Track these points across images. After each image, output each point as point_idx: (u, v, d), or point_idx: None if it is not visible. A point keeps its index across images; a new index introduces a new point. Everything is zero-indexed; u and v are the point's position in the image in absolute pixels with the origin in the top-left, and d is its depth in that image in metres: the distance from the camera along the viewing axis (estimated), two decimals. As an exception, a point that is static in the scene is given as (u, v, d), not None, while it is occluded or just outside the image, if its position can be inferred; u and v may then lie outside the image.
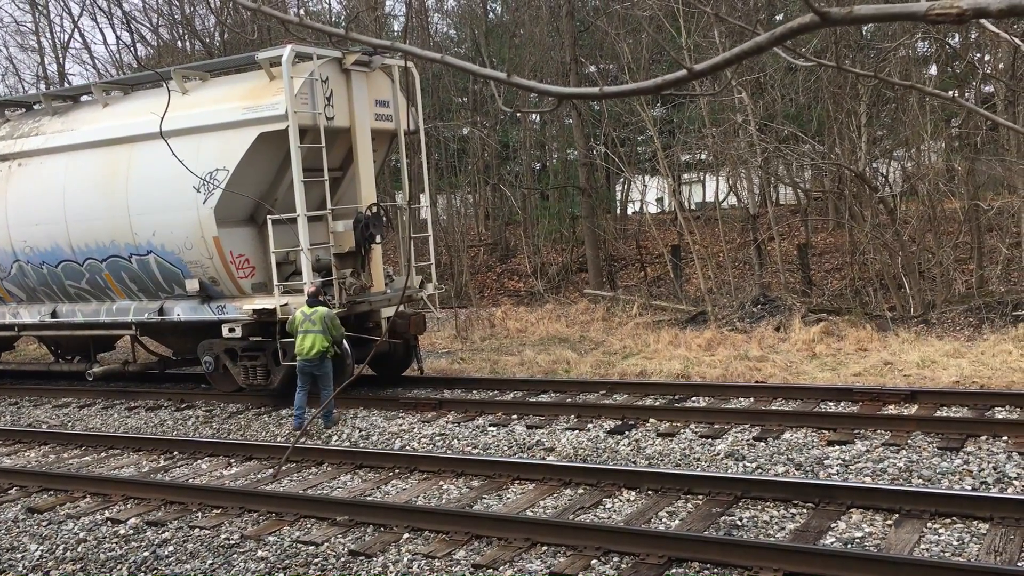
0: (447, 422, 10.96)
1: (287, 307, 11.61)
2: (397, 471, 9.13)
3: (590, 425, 10.26)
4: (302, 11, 29.98)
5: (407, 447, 10.25)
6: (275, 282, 11.92)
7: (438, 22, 31.22)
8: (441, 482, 8.67)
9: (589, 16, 24.91)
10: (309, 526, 7.71)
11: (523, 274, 24.31)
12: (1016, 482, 7.45)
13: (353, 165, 12.77)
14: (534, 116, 26.34)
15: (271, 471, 9.52)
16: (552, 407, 11.17)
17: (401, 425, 11.02)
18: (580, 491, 8.07)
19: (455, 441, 10.22)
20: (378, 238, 12.54)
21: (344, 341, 11.64)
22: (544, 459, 9.21)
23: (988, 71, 18.99)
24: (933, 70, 21.56)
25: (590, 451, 9.39)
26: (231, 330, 12.11)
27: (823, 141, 18.95)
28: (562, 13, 22.41)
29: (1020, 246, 16.89)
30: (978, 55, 20.42)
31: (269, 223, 11.83)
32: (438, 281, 14.34)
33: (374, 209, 12.47)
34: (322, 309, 10.94)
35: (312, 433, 11.02)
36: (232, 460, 10.18)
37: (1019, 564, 5.87)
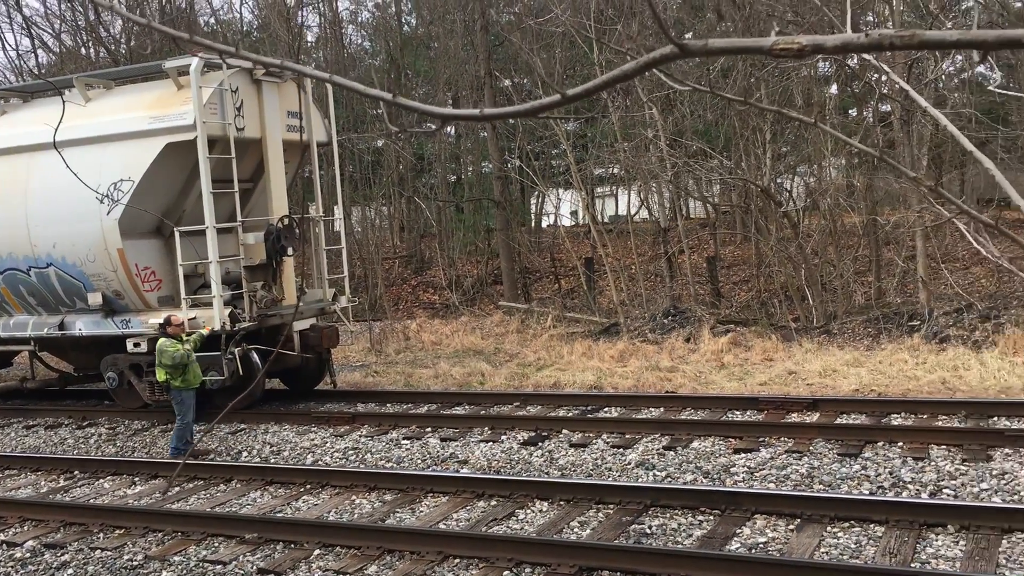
0: (360, 436, 10.86)
1: (195, 320, 11.35)
2: (309, 486, 9.01)
3: (504, 437, 10.31)
4: (212, 19, 29.46)
5: (319, 462, 10.12)
6: (183, 295, 11.65)
7: (352, 33, 31.05)
8: (354, 497, 8.60)
9: (503, 31, 25.11)
10: (217, 545, 7.54)
11: (438, 286, 24.29)
12: (910, 486, 7.77)
13: (264, 176, 12.58)
14: (449, 129, 26.39)
15: (175, 489, 9.28)
16: (466, 419, 11.18)
17: (313, 440, 10.88)
18: (493, 503, 8.10)
19: (368, 455, 10.14)
20: (290, 250, 12.37)
21: (254, 355, 11.45)
22: (458, 472, 9.21)
23: (885, 91, 19.84)
24: (834, 89, 22.41)
25: (504, 463, 9.44)
26: (136, 345, 11.77)
27: (730, 157, 19.48)
28: (476, 27, 22.55)
29: (915, 259, 17.64)
30: (875, 76, 21.31)
31: (177, 235, 11.56)
32: (352, 294, 14.22)
33: (286, 221, 12.31)
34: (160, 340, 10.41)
35: (215, 450, 10.78)
36: (136, 479, 9.89)
37: (912, 565, 6.13)
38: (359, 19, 31.39)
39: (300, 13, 26.71)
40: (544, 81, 20.52)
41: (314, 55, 28.47)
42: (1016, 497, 7.28)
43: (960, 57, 23.38)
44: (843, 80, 21.18)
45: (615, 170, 24.84)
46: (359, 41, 31.42)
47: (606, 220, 27.10)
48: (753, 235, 19.38)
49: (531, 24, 22.03)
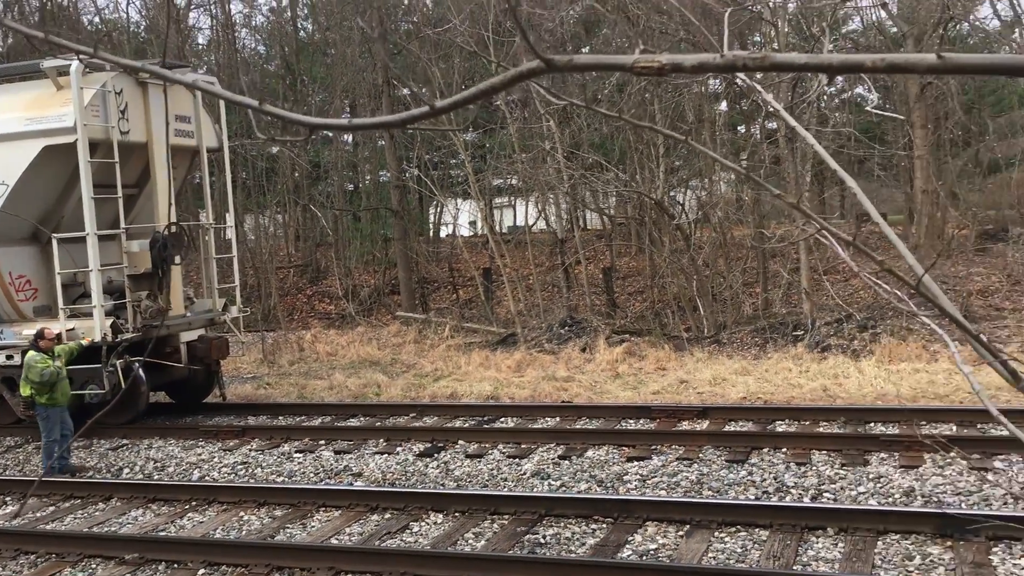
0: (250, 450, 10.57)
1: (74, 332, 10.86)
2: (194, 503, 8.70)
3: (399, 448, 10.20)
4: (96, 18, 28.40)
5: (206, 477, 9.80)
6: (60, 305, 11.12)
7: (246, 37, 30.39)
8: (242, 513, 8.35)
9: (402, 39, 25.00)
10: (94, 567, 7.20)
11: (334, 296, 23.92)
12: (794, 490, 8.02)
13: (151, 182, 12.15)
14: (347, 137, 26.07)
15: (51, 509, 8.83)
16: (361, 431, 11.02)
17: (200, 455, 10.53)
18: (387, 516, 7.99)
19: (259, 469, 9.87)
20: (177, 259, 11.97)
21: (138, 367, 11.03)
22: (351, 485, 9.06)
23: (771, 109, 20.58)
24: (724, 106, 23.09)
25: (399, 475, 9.33)
26: (8, 357, 11.18)
27: (626, 169, 19.84)
28: (374, 35, 22.36)
29: (799, 272, 18.31)
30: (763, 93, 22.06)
31: (55, 242, 11.04)
32: (244, 304, 13.85)
33: (173, 228, 11.91)
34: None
35: (94, 467, 10.32)
36: (8, 499, 9.37)
37: (794, 568, 6.32)
38: (252, 23, 30.76)
39: (190, 15, 25.99)
40: (442, 92, 20.50)
41: (205, 58, 27.74)
42: (890, 499, 7.60)
43: (840, 78, 24.45)
44: (732, 98, 21.85)
45: (513, 181, 25.00)
46: (252, 45, 30.77)
47: (504, 231, 27.22)
48: (647, 247, 19.77)
49: (430, 34, 21.99)
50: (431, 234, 27.57)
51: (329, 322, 22.13)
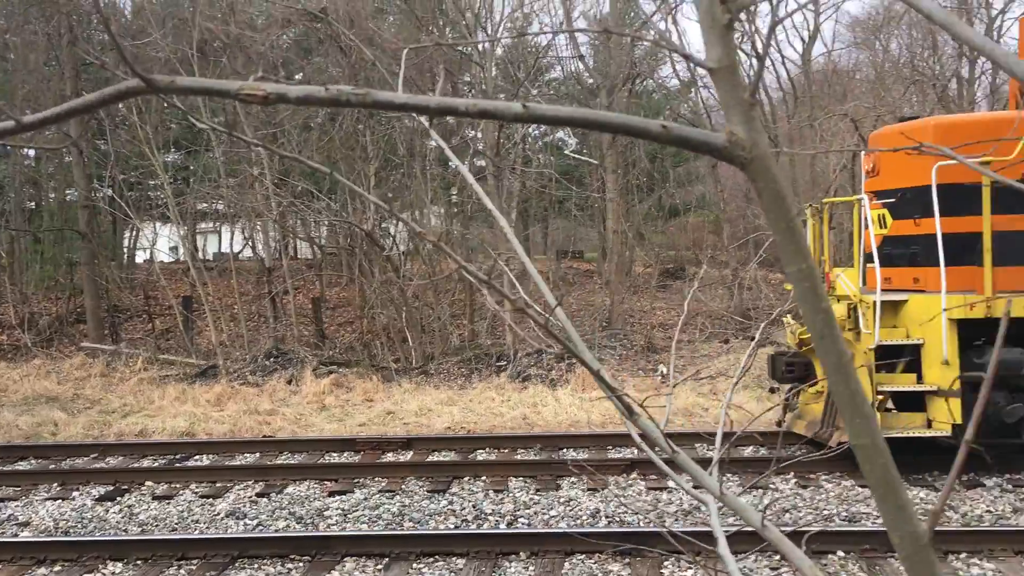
0: None
1: None
2: None
3: (76, 493, 9.28)
4: None
5: None
6: None
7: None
8: None
9: (95, 49, 23.18)
10: None
11: (7, 325, 21.47)
12: (491, 517, 8.25)
13: None
14: (29, 151, 23.64)
15: None
16: (31, 475, 9.91)
17: None
18: (57, 568, 7.21)
19: (-102, 525, 8.54)
20: None
21: None
22: (16, 536, 8.09)
23: (480, 147, 21.38)
24: (434, 142, 23.64)
25: (75, 522, 8.47)
26: None
27: (337, 199, 19.68)
28: (63, 42, 20.57)
29: (503, 304, 19.09)
30: (471, 132, 22.89)
31: None
32: None
33: None
34: None
35: None
36: None
37: (489, 592, 6.47)
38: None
39: None
40: (139, 108, 19.23)
41: None
42: (578, 522, 8.03)
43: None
44: (444, 134, 22.45)
45: (219, 206, 23.93)
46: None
47: (209, 257, 25.90)
48: (358, 278, 19.69)
49: (128, 46, 20.58)
50: (125, 259, 25.62)
51: (0, 354, 19.81)
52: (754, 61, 24.50)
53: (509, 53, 21.38)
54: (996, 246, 8.35)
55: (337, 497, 8.94)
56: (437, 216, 21.84)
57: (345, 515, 8.44)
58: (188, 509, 8.73)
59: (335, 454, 10.88)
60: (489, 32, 19.88)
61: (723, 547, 1.64)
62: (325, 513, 8.51)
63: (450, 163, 24.19)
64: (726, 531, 1.70)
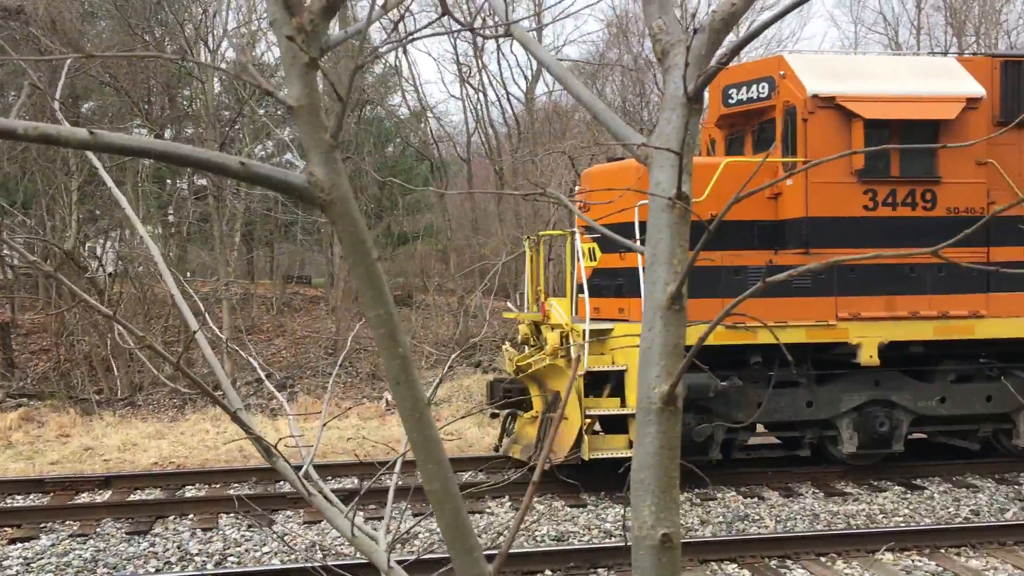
0: None
1: None
2: None
3: None
4: None
5: None
6: None
7: None
8: None
9: None
10: None
11: None
12: (198, 558, 7.74)
13: None
14: None
15: None
16: None
17: None
18: None
19: None
20: None
21: None
22: None
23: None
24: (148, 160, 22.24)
25: None
26: None
27: (33, 215, 17.91)
28: None
29: (223, 328, 18.20)
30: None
31: None
32: None
33: None
34: None
35: None
36: None
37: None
38: None
39: None
40: None
41: None
42: (294, 556, 7.74)
43: (271, 142, 25.28)
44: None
45: None
46: None
47: None
48: (56, 300, 17.98)
49: None
50: None
51: None
52: (482, 96, 25.33)
53: (232, 67, 20.60)
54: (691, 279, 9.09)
55: (19, 544, 8.01)
56: (151, 236, 20.46)
57: (28, 564, 7.57)
58: None
59: (20, 496, 9.78)
60: (211, 46, 19.08)
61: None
62: (4, 563, 7.58)
63: (167, 180, 22.85)
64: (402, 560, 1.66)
